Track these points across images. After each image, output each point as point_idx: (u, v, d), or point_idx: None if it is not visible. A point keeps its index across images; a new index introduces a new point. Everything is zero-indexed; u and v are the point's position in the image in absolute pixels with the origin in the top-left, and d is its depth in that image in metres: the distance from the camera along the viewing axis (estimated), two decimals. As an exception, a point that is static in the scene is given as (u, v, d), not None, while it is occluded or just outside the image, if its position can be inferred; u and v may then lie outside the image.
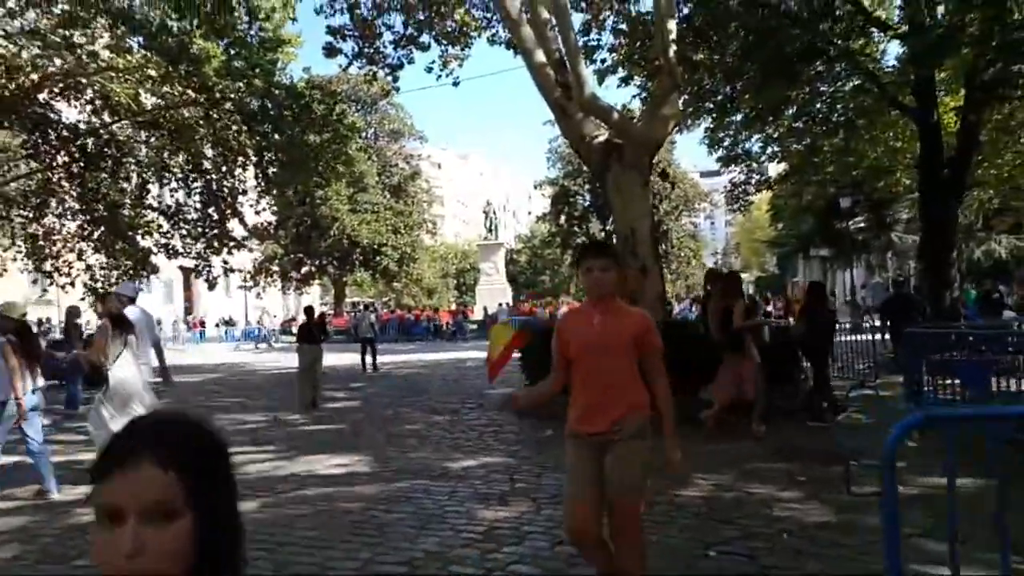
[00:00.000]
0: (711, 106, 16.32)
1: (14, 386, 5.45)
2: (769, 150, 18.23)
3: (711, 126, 17.19)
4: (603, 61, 14.36)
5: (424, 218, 48.97)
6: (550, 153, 49.58)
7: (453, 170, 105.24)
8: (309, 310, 10.98)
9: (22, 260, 21.86)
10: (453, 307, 49.25)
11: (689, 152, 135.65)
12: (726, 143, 17.93)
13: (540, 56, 10.82)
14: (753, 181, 20.63)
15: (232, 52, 17.55)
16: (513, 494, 5.24)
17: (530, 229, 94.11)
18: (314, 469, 6.20)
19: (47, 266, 21.26)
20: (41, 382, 5.92)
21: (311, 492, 5.41)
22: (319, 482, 5.74)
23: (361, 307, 30.31)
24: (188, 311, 49.83)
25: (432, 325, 35.75)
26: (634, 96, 16.16)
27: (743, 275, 62.96)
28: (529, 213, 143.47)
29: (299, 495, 5.35)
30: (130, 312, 6.50)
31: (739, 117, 16.62)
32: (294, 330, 39.78)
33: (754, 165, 19.49)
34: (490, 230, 44.99)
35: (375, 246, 43.10)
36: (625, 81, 14.60)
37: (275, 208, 42.89)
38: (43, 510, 5.22)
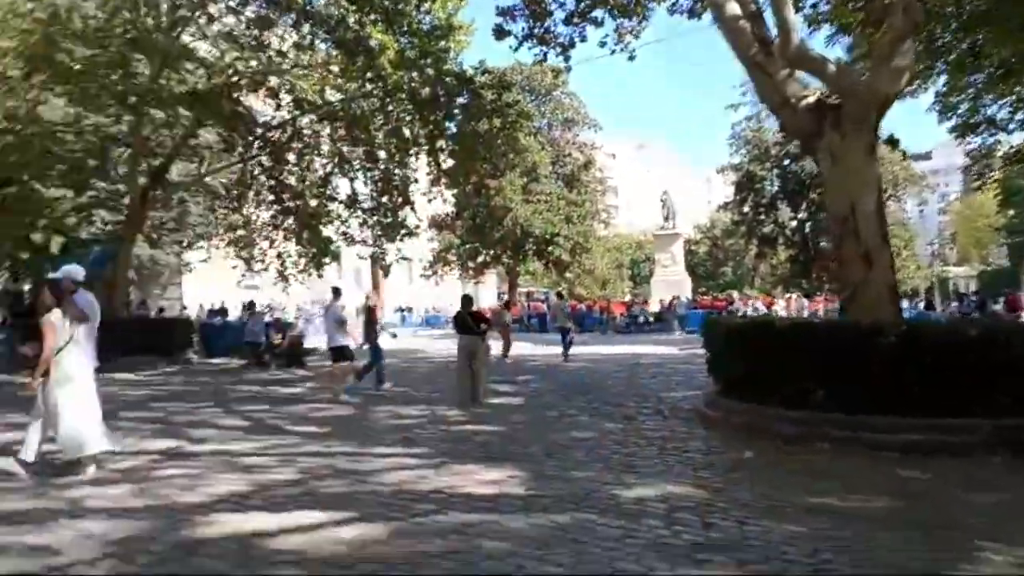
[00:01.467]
0: (944, 64, 13.55)
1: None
2: (1021, 115, 14.95)
3: (943, 89, 14.35)
4: (814, 6, 12.25)
5: (598, 208, 47.75)
6: (733, 139, 46.26)
7: (628, 159, 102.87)
8: (466, 300, 10.22)
9: (224, 248, 23.71)
10: (628, 298, 47.46)
11: (891, 129, 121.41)
12: (961, 109, 14.94)
13: (733, 7, 9.20)
14: (999, 154, 17.14)
15: (405, 42, 17.50)
16: (707, 548, 3.92)
17: (710, 218, 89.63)
18: (459, 486, 5.27)
19: (245, 254, 22.87)
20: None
21: (450, 519, 4.46)
22: (462, 505, 4.79)
23: (554, 296, 29.95)
24: (374, 298, 52.68)
25: (605, 316, 34.47)
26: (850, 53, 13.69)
27: (959, 269, 54.88)
28: (708, 202, 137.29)
29: (435, 523, 4.42)
30: (80, 298, 6.16)
31: (981, 76, 13.68)
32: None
33: (1000, 136, 16.14)
34: (667, 219, 42.74)
35: (547, 236, 42.60)
36: (843, 30, 12.34)
37: (453, 198, 44.07)
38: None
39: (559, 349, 16.89)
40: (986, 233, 59.46)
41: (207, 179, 21.38)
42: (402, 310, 44.79)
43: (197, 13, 17.08)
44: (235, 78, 18.08)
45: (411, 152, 18.83)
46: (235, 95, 18.16)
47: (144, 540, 4.16)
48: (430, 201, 20.29)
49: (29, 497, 5.10)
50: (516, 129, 18.53)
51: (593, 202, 46.85)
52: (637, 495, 4.99)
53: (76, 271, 6.31)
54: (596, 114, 46.10)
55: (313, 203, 20.80)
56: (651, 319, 32.92)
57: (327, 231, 21.01)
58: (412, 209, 19.46)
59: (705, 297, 40.92)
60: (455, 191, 35.98)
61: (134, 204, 18.57)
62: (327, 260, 21.73)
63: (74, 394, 5.72)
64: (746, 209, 41.07)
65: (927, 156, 65.73)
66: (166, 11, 16.72)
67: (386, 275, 21.72)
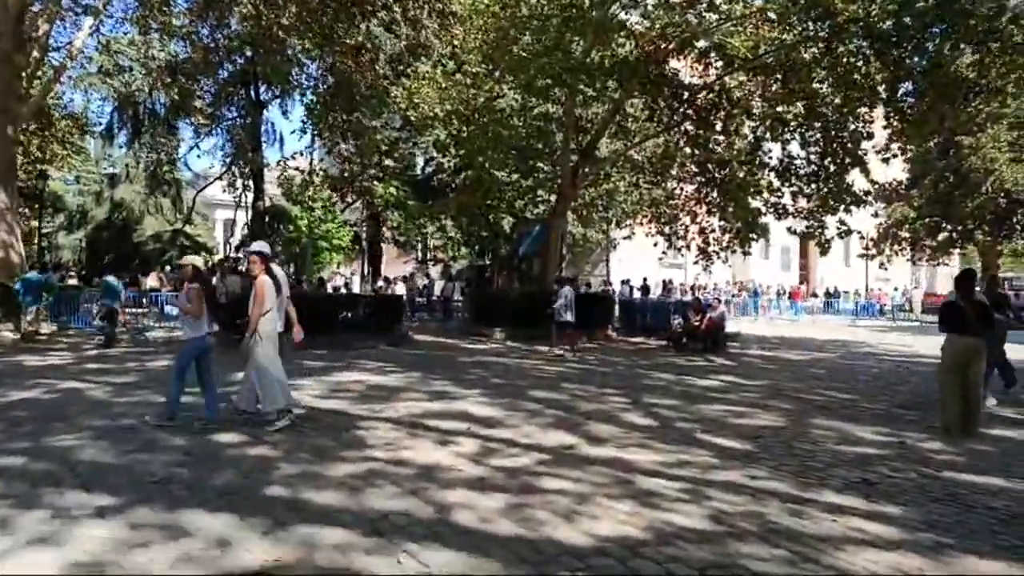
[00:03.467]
0: None
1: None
2: None
3: None
4: None
5: None
6: None
7: None
8: (968, 277, 7.09)
9: (647, 225, 23.28)
10: None
11: None
12: None
13: None
14: None
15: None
16: None
17: None
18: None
19: (668, 229, 22.05)
20: (215, 327, 6.61)
21: None
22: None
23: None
24: (803, 280, 48.01)
25: None
26: None
27: None
28: None
29: None
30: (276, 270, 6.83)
31: None
32: (912, 304, 33.99)
33: None
34: None
35: (1048, 204, 32.68)
36: None
37: (909, 160, 37.08)
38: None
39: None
40: None
41: (632, 152, 21.09)
42: (829, 295, 39.43)
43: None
44: (663, 44, 17.14)
45: (863, 101, 15.36)
46: (661, 60, 17.21)
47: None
48: (886, 161, 16.43)
49: (402, 495, 4.48)
50: (1021, 54, 13.55)
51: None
52: None
53: (266, 247, 6.88)
54: None
55: (741, 173, 18.81)
56: None
57: (755, 203, 18.82)
58: (864, 170, 15.96)
59: None
60: (912, 152, 29.92)
61: (565, 181, 19.09)
62: (754, 235, 19.53)
63: (269, 354, 6.33)
64: None
65: None
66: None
67: (824, 253, 18.48)
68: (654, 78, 17.01)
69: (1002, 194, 33.09)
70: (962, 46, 14.21)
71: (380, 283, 26.99)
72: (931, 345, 18.98)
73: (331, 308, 15.21)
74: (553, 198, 21.28)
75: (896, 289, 39.30)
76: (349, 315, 15.23)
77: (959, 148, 33.73)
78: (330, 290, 22.95)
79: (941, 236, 38.69)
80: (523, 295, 19.73)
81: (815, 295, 39.50)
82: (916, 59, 15.02)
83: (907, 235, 39.46)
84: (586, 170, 19.96)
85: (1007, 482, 4.97)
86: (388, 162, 27.00)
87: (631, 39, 17.76)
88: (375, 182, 27.17)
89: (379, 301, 17.92)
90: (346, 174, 27.01)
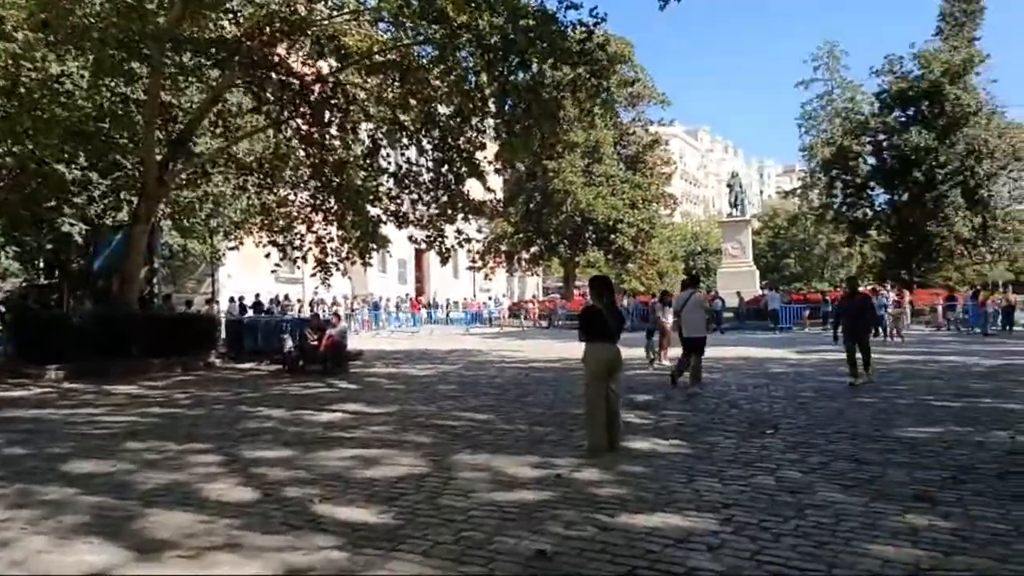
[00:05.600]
0: None
1: None
2: None
3: None
4: None
5: (662, 191, 43.68)
6: (802, 119, 41.71)
7: (680, 147, 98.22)
8: (604, 284, 6.59)
9: (257, 234, 20.63)
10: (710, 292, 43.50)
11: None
12: None
13: None
14: None
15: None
16: None
17: (771, 207, 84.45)
18: None
19: (281, 239, 19.72)
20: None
21: None
22: None
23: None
24: (419, 292, 49.59)
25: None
26: None
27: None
28: (761, 192, 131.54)
29: None
30: None
31: None
32: (528, 313, 37.57)
33: None
34: (734, 205, 38.69)
35: (610, 222, 38.83)
36: None
37: (503, 182, 40.62)
38: None
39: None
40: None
41: (237, 150, 18.33)
42: (429, 305, 41.04)
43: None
44: (267, 27, 14.96)
45: (477, 108, 15.33)
46: (267, 43, 15.01)
47: None
48: (499, 172, 16.80)
49: None
50: (607, 78, 14.87)
51: (658, 185, 42.81)
52: None
53: None
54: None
55: (359, 179, 17.56)
56: (730, 314, 28.88)
57: (374, 210, 17.76)
58: (481, 178, 15.98)
59: (799, 291, 36.82)
60: (507, 174, 32.72)
61: (150, 178, 15.55)
62: (374, 245, 18.46)
63: None
64: (836, 190, 36.51)
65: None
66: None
67: (444, 262, 18.28)
68: (259, 60, 14.71)
69: (578, 213, 38.44)
70: (560, 66, 15.07)
71: None
72: (537, 348, 20.52)
73: None
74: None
75: (490, 299, 42.82)
76: None
77: (544, 171, 38.20)
78: None
79: (533, 250, 43.55)
80: (94, 318, 15.42)
81: (430, 305, 40.81)
82: (521, 75, 15.54)
83: (506, 249, 43.49)
84: (178, 166, 16.62)
85: (682, 518, 4.20)
86: None
87: (230, 16, 15.25)
88: None
89: None
90: None
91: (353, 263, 19.68)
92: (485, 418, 7.95)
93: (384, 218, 17.46)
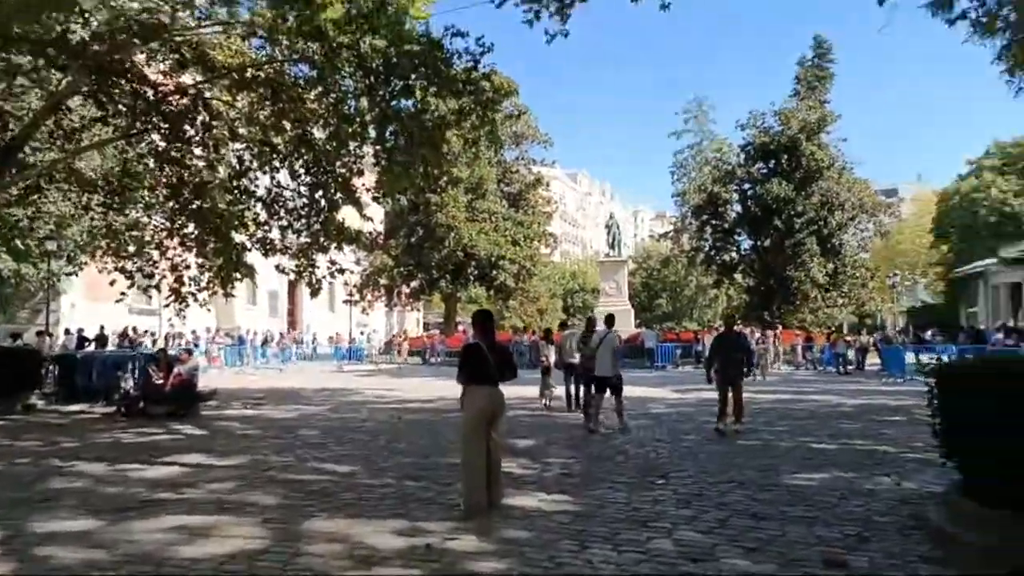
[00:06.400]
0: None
1: None
2: None
3: None
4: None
5: (544, 230, 44.12)
6: (675, 167, 44.02)
7: (560, 189, 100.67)
8: (485, 318, 5.94)
9: (100, 258, 18.47)
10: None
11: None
12: None
13: None
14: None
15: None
16: None
17: (645, 249, 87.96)
18: None
19: (130, 265, 17.71)
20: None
21: None
22: None
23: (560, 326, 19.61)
24: (291, 326, 47.05)
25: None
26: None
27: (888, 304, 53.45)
28: (635, 235, 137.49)
29: None
30: None
31: None
32: (399, 349, 36.35)
33: None
34: (612, 246, 39.53)
35: (492, 258, 38.59)
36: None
37: (385, 213, 39.46)
38: None
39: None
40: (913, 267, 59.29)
41: (79, 164, 16.38)
42: (299, 342, 39.01)
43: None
44: (121, 32, 13.45)
45: (355, 133, 14.45)
46: (120, 48, 13.48)
47: None
48: (377, 200, 15.86)
49: None
50: (493, 110, 14.47)
51: (540, 223, 43.20)
52: None
53: None
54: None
55: (222, 204, 16.08)
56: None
57: (239, 237, 16.30)
58: (357, 205, 15.00)
59: (672, 330, 37.92)
60: (387, 205, 31.75)
61: (-34, 191, 13.45)
62: (238, 275, 16.92)
63: None
64: (707, 235, 38.24)
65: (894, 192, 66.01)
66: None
67: (314, 294, 16.97)
68: (107, 66, 13.17)
69: (461, 248, 37.93)
70: (444, 95, 14.54)
71: None
72: (414, 387, 19.50)
73: None
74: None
75: (362, 333, 41.41)
76: None
77: (427, 205, 37.53)
78: None
79: (413, 284, 42.50)
80: None
81: (300, 341, 38.65)
82: (404, 101, 14.87)
83: (386, 282, 42.17)
84: (6, 179, 14.54)
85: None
86: None
87: (79, 18, 13.63)
88: None
89: None
90: None
91: (214, 293, 17.98)
92: (348, 470, 7.00)
93: (250, 245, 16.05)
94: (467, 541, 4.56)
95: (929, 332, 29.69)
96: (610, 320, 11.46)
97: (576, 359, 12.97)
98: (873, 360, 25.54)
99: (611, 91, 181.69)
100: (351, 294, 43.39)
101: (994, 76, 11.99)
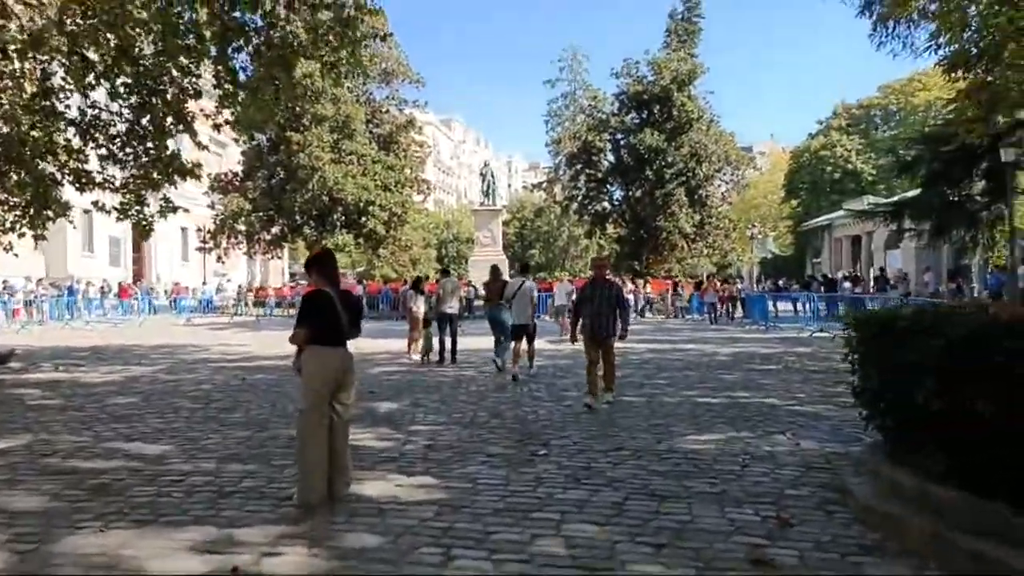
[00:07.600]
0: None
1: None
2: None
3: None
4: None
5: (416, 176, 42.24)
6: (549, 116, 43.43)
7: (433, 135, 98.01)
8: (322, 259, 4.69)
9: None
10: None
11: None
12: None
13: None
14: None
15: None
16: None
17: (519, 199, 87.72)
18: None
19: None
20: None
21: None
22: None
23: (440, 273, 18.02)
24: (137, 276, 42.70)
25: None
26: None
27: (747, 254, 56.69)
28: (509, 186, 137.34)
29: None
30: None
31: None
32: (245, 300, 33.64)
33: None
34: (487, 194, 38.58)
35: (361, 204, 36.44)
36: None
37: (242, 154, 36.17)
38: None
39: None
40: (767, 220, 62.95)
41: None
42: (148, 292, 35.90)
43: None
44: None
45: (191, 48, 12.29)
46: None
47: None
48: (218, 128, 13.68)
49: None
50: (354, 28, 12.72)
51: (412, 168, 41.27)
52: None
53: None
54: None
55: (27, 126, 13.39)
56: (479, 302, 28.37)
57: (49, 168, 13.72)
58: (193, 134, 12.86)
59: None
60: (244, 142, 28.77)
61: None
62: (50, 214, 14.34)
63: None
64: (580, 184, 38.02)
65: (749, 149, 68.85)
66: None
67: (145, 237, 14.75)
68: None
69: (326, 192, 35.49)
70: (298, 7, 12.65)
71: None
72: (269, 342, 17.68)
73: None
74: None
75: (205, 283, 38.44)
76: None
77: (289, 144, 34.63)
78: None
79: (275, 230, 39.53)
80: None
81: (148, 292, 34.99)
82: (250, 15, 12.81)
83: (243, 228, 38.92)
84: None
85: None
86: None
87: None
88: None
89: None
90: None
91: (22, 235, 15.24)
92: (158, 452, 5.58)
93: (60, 178, 13.54)
94: (293, 557, 3.41)
95: (781, 280, 31.14)
96: (524, 268, 11.71)
97: (455, 309, 12.29)
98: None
99: (487, 34, 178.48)
100: (204, 240, 39.77)
101: (848, 37, 11.62)
